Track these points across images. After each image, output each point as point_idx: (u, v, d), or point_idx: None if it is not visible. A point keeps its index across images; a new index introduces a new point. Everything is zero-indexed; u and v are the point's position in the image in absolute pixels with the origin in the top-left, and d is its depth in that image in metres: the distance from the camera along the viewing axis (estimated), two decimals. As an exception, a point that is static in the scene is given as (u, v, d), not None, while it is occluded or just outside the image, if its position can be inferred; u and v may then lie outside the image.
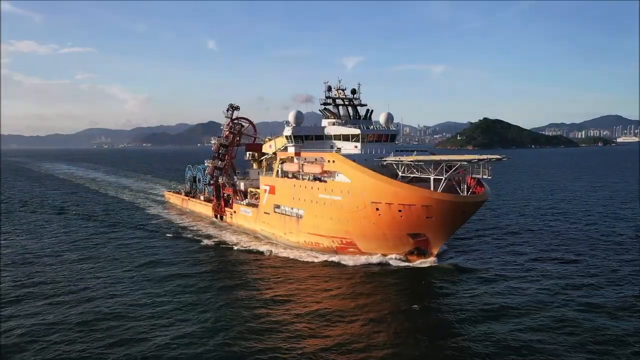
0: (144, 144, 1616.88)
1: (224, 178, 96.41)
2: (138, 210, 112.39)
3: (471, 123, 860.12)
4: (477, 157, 56.59)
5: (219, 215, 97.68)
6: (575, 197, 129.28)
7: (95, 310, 47.03)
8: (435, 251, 61.88)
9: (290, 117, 75.04)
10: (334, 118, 75.48)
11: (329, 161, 66.42)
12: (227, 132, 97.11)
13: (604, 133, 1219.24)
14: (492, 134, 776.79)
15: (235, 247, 74.58)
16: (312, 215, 69.47)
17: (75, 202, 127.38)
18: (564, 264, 61.93)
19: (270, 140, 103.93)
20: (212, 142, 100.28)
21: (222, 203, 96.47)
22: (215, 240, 79.82)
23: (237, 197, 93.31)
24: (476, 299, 49.24)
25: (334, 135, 71.82)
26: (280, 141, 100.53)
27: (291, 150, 74.35)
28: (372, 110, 77.18)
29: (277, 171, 78.60)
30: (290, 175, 76.02)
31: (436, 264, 61.06)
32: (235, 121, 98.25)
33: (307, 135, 73.54)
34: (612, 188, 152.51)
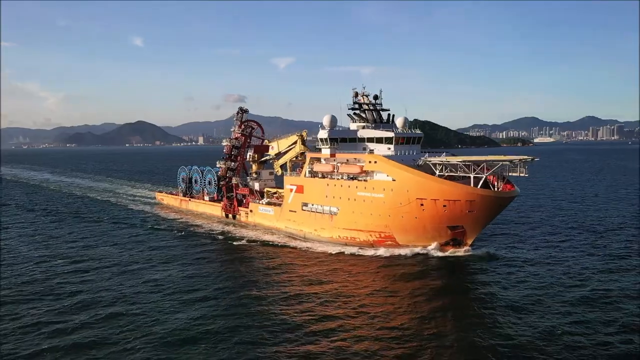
0: (68, 145, 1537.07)
1: (238, 178, 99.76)
2: (142, 213, 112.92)
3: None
4: (517, 157, 64.96)
5: (230, 215, 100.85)
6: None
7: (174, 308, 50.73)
8: (469, 241, 69.74)
9: (325, 121, 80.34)
10: (363, 122, 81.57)
11: (369, 162, 72.55)
12: (239, 134, 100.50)
13: (523, 134, 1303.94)
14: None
15: (274, 244, 79.02)
16: (349, 212, 75.22)
17: (91, 210, 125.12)
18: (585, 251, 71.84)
19: (271, 142, 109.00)
20: (224, 143, 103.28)
21: (235, 203, 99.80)
22: (254, 239, 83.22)
23: (253, 197, 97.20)
24: (510, 282, 56.28)
25: (367, 137, 77.90)
26: (283, 143, 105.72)
27: (326, 152, 79.63)
28: (394, 115, 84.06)
29: (306, 172, 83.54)
30: (320, 175, 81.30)
31: (470, 253, 68.89)
32: (246, 123, 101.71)
33: (342, 138, 79.16)
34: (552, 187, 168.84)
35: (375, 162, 71.90)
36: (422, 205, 67.25)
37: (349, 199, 75.15)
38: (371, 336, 42.51)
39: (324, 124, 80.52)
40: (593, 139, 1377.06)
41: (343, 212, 76.27)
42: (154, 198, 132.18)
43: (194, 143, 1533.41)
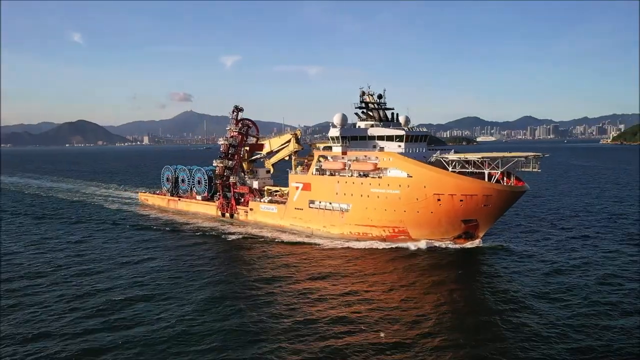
0: (3, 145, 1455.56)
1: (236, 177, 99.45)
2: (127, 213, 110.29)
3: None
4: (531, 154, 68.85)
5: (227, 214, 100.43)
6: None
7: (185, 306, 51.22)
8: (481, 234, 73.17)
9: (336, 120, 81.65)
10: (371, 120, 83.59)
11: (384, 159, 74.64)
12: (236, 133, 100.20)
13: (466, 133, 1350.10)
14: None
15: (282, 241, 79.66)
16: (362, 208, 77.03)
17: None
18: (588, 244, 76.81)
19: (262, 140, 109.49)
20: (221, 142, 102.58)
21: (233, 201, 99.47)
22: (265, 237, 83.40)
23: (253, 195, 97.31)
24: (520, 272, 59.77)
25: (377, 136, 79.90)
26: (275, 142, 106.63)
27: (337, 150, 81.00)
28: (397, 114, 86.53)
29: (313, 170, 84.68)
30: (328, 173, 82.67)
31: (481, 245, 72.36)
32: (242, 122, 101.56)
33: (353, 136, 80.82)
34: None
35: (391, 159, 74.05)
36: (439, 200, 69.99)
37: (361, 196, 76.89)
38: (393, 330, 43.36)
39: (334, 122, 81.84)
40: (531, 138, 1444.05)
41: (355, 208, 77.94)
42: (129, 198, 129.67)
43: (138, 143, 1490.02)
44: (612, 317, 45.70)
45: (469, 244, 72.41)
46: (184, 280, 58.44)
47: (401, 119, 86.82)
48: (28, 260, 68.62)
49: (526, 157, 68.40)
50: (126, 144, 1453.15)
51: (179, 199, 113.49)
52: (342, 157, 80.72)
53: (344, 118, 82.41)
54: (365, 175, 77.19)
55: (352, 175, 78.89)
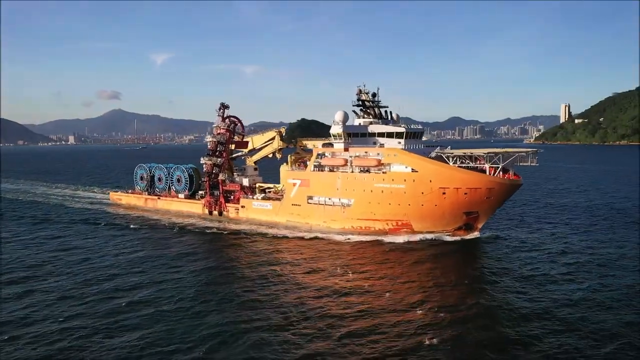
0: None
1: (225, 175, 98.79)
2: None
3: (283, 123, 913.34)
4: (530, 150, 73.97)
5: (215, 211, 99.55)
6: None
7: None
8: (479, 226, 77.56)
9: (338, 117, 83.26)
10: (369, 117, 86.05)
11: (388, 155, 77.31)
12: (224, 130, 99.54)
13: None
14: (309, 133, 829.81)
15: (282, 236, 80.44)
16: (365, 203, 79.34)
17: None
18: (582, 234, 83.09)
19: (245, 138, 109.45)
20: (208, 139, 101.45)
21: (222, 199, 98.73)
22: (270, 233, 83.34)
23: (244, 193, 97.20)
24: (515, 260, 64.22)
25: (377, 132, 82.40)
26: (258, 139, 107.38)
27: (339, 146, 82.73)
28: (391, 112, 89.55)
29: (312, 166, 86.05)
30: (327, 169, 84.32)
31: (479, 236, 76.77)
32: (230, 118, 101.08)
33: (354, 133, 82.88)
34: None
35: (395, 154, 76.83)
36: (444, 193, 73.56)
37: (364, 191, 79.16)
38: (395, 322, 44.15)
39: (336, 119, 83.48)
40: (459, 137, 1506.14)
41: (358, 203, 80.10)
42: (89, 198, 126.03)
43: (63, 142, 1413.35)
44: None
45: (468, 236, 76.56)
46: (189, 280, 57.46)
47: (394, 117, 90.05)
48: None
49: (526, 152, 73.36)
50: (50, 143, 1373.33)
51: (158, 198, 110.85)
52: (339, 153, 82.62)
53: (346, 116, 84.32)
54: (367, 170, 79.51)
55: (353, 171, 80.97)
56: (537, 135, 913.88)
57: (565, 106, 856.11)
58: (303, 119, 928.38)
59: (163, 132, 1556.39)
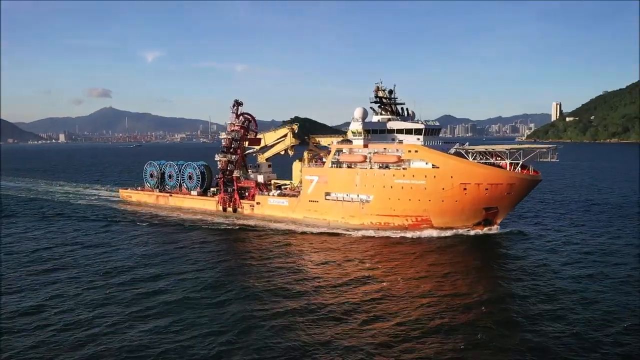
0: None
1: (240, 171, 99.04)
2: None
3: (275, 121, 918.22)
4: (551, 146, 75.11)
5: (230, 208, 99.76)
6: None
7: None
8: (499, 221, 78.52)
9: (358, 114, 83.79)
10: (387, 114, 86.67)
11: (409, 151, 77.98)
12: (238, 127, 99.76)
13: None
14: (304, 130, 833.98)
15: (309, 233, 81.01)
16: (384, 199, 79.98)
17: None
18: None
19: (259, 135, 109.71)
20: (222, 136, 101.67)
21: (236, 196, 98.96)
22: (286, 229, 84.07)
23: (259, 189, 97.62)
24: (536, 255, 65.03)
25: (396, 129, 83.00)
26: (270, 136, 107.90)
27: (359, 142, 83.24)
28: (407, 108, 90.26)
29: (330, 162, 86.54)
30: (345, 166, 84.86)
31: (499, 231, 77.73)
32: (244, 116, 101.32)
33: (374, 130, 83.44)
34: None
35: (417, 151, 77.51)
36: (465, 189, 74.41)
37: (384, 187, 79.79)
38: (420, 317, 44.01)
39: (355, 116, 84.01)
40: (451, 135, 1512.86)
41: (377, 199, 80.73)
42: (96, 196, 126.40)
43: (54, 141, 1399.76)
44: None
45: (487, 230, 77.50)
46: (209, 273, 58.35)
47: (410, 114, 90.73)
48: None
49: (547, 149, 74.38)
50: (40, 142, 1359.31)
51: (170, 195, 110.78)
52: (358, 150, 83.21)
53: (365, 112, 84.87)
54: (387, 167, 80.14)
55: (372, 168, 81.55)
56: (528, 133, 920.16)
57: (557, 104, 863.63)
58: (296, 117, 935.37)
59: (154, 131, 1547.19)
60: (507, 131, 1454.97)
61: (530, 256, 64.68)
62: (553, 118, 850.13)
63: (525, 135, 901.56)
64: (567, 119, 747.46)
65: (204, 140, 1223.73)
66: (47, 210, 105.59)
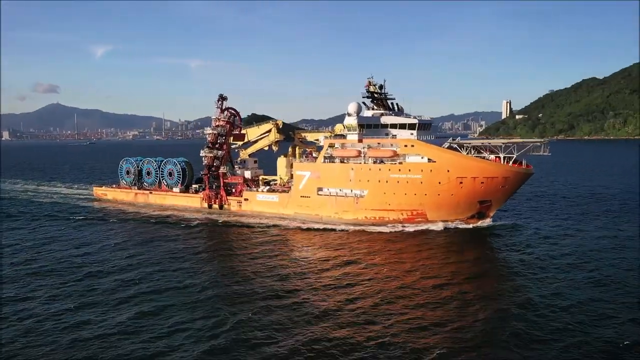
0: None
1: (226, 167, 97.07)
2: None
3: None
4: (544, 140, 77.05)
5: (216, 205, 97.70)
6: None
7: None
8: (491, 214, 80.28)
9: (352, 108, 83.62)
10: (380, 109, 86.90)
11: (405, 145, 78.49)
12: (224, 122, 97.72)
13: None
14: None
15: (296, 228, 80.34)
16: (379, 194, 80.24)
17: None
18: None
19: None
20: (207, 132, 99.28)
21: (223, 192, 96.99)
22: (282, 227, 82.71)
23: (247, 185, 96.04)
24: (527, 246, 66.99)
25: (390, 124, 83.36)
26: (253, 132, 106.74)
27: (353, 137, 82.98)
28: (397, 103, 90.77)
29: (322, 157, 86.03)
30: (338, 161, 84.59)
31: (492, 224, 79.51)
32: (229, 111, 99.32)
33: (368, 124, 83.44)
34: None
35: (413, 145, 78.12)
36: (461, 183, 75.61)
37: (379, 181, 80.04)
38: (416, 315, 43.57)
39: (350, 111, 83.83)
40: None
41: (372, 194, 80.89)
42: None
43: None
44: None
45: (481, 223, 79.11)
46: (201, 270, 57.47)
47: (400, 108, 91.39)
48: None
49: (540, 142, 76.47)
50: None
51: (150, 192, 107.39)
52: (350, 145, 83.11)
53: (359, 107, 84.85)
54: (381, 161, 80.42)
55: (366, 162, 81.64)
56: (480, 130, 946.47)
57: (507, 102, 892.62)
58: (253, 114, 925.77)
59: (105, 128, 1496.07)
60: (460, 128, 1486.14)
61: (525, 249, 66.00)
62: (504, 116, 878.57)
63: (478, 133, 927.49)
64: (517, 116, 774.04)
65: (158, 137, 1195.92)
66: (10, 208, 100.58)
